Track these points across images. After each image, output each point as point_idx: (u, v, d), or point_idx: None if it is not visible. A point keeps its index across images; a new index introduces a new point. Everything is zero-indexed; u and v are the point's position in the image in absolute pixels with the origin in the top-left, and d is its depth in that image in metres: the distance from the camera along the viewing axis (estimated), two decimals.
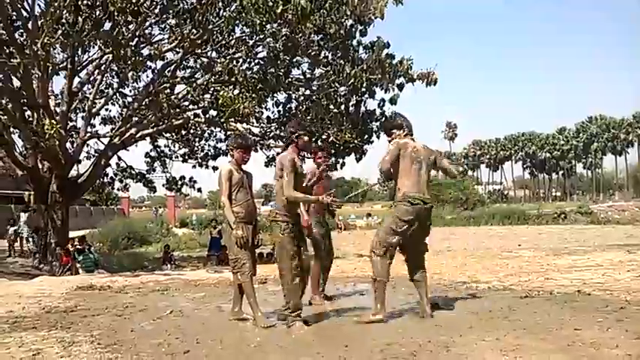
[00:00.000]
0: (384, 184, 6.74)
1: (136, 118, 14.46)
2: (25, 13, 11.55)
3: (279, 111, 15.30)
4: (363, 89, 13.18)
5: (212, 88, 13.76)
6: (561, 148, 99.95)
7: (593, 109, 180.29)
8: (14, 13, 11.74)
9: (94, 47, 12.96)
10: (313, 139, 7.03)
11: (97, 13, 11.14)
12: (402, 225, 5.08)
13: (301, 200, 5.08)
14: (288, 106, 15.10)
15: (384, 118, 14.08)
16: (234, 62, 12.96)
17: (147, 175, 17.42)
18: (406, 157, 5.12)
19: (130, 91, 15.91)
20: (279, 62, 12.69)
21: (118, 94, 15.82)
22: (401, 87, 13.17)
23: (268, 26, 11.94)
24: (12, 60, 11.28)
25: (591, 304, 5.64)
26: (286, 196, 4.76)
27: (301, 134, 5.00)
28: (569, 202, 75.02)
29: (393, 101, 13.53)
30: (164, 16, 12.57)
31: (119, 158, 16.74)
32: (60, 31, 11.00)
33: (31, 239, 17.14)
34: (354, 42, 13.48)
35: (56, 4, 10.32)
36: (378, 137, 14.37)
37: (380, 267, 5.14)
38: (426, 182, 5.19)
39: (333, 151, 14.20)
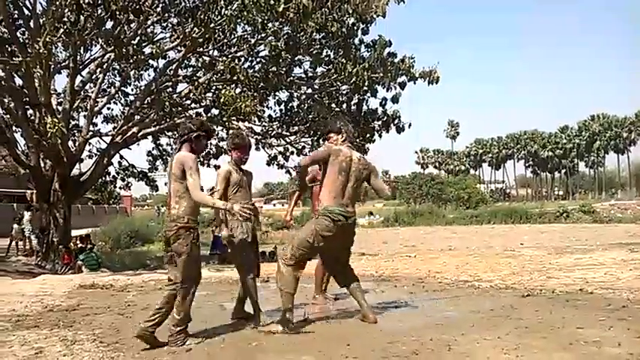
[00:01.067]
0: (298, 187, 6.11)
1: (138, 117, 14.47)
2: (26, 12, 11.56)
3: (280, 110, 15.33)
4: (365, 88, 13.18)
5: (214, 87, 13.78)
6: (564, 147, 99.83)
7: (596, 108, 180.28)
8: (16, 12, 11.76)
9: (95, 46, 12.98)
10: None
11: (99, 11, 11.16)
12: (319, 240, 4.74)
13: (208, 204, 4.55)
14: (290, 104, 15.11)
15: (385, 117, 14.09)
16: (236, 61, 12.96)
17: (149, 174, 17.45)
18: (335, 165, 4.77)
19: (132, 89, 15.95)
20: (280, 61, 12.69)
21: (120, 93, 15.85)
22: (403, 85, 13.17)
23: (270, 25, 11.95)
24: (14, 58, 11.29)
25: (593, 303, 5.64)
26: (194, 198, 4.30)
27: (202, 135, 4.52)
28: (571, 200, 74.98)
29: (394, 100, 13.53)
30: (166, 14, 12.59)
31: (121, 157, 16.78)
32: (62, 30, 11.02)
33: (33, 237, 17.17)
34: (356, 40, 13.48)
35: (58, 2, 10.33)
36: (380, 136, 14.38)
37: (287, 278, 4.76)
38: (353, 195, 4.84)
39: None
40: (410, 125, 14.13)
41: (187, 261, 4.34)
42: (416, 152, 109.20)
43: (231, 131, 14.69)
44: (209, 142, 4.93)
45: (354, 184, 4.81)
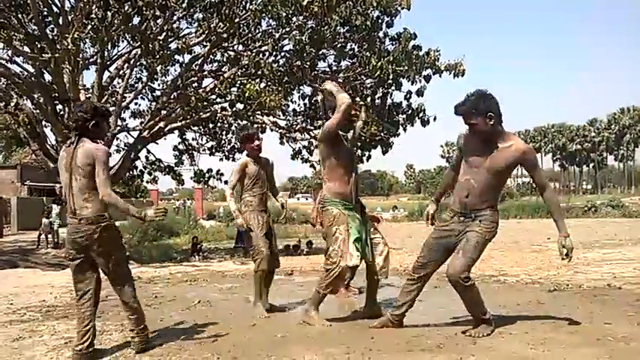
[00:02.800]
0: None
1: (165, 112, 14.62)
2: (55, 9, 11.75)
3: (305, 104, 15.33)
4: (390, 81, 13.10)
5: (239, 82, 13.83)
6: (592, 140, 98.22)
7: (626, 100, 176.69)
8: (45, 9, 11.96)
9: (123, 42, 13.11)
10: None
11: (126, 7, 11.28)
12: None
13: (120, 207, 3.92)
14: (314, 98, 15.11)
15: (410, 110, 13.97)
16: (261, 55, 13.00)
17: (175, 168, 17.62)
18: None
19: (159, 85, 16.09)
20: (305, 55, 12.68)
21: (146, 88, 16.01)
22: (428, 79, 13.06)
23: (294, 19, 11.95)
24: (43, 55, 11.49)
25: (622, 298, 5.56)
26: (105, 198, 3.80)
27: (98, 121, 3.94)
28: (600, 194, 73.68)
29: (419, 93, 13.43)
30: (191, 9, 12.67)
31: (148, 151, 16.97)
32: (89, 26, 11.17)
33: (62, 230, 17.48)
34: (381, 34, 13.39)
35: None
36: (404, 130, 14.29)
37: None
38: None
39: (359, 144, 14.17)
40: (435, 118, 14.02)
41: (122, 260, 4.03)
42: (441, 146, 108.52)
43: (256, 125, 14.81)
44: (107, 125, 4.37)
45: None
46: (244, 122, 14.24)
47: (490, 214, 4.14)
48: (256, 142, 5.39)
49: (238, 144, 5.72)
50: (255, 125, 14.65)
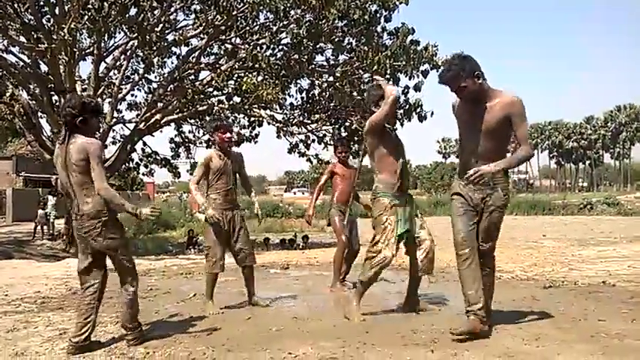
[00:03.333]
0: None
1: (161, 104, 14.55)
2: None
3: (302, 97, 15.28)
4: (387, 76, 13.06)
5: (236, 75, 13.78)
6: (589, 138, 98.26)
7: (622, 98, 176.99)
8: None
9: (119, 33, 13.04)
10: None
11: None
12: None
13: (115, 202, 3.83)
14: (312, 92, 15.06)
15: (407, 106, 13.96)
16: (258, 48, 12.94)
17: (171, 161, 17.56)
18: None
19: (156, 77, 15.99)
20: (302, 48, 12.63)
21: (143, 80, 15.92)
22: (425, 74, 13.01)
23: (292, 12, 11.90)
24: (40, 45, 11.42)
25: (616, 296, 5.57)
26: (100, 192, 3.75)
27: (86, 117, 3.83)
28: (595, 192, 73.88)
29: (417, 88, 13.40)
30: (189, 1, 12.60)
31: (144, 143, 16.90)
32: (86, 17, 11.10)
33: (58, 222, 17.44)
34: (379, 28, 13.34)
35: None
36: (401, 125, 14.26)
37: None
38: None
39: (356, 139, 14.15)
40: (432, 114, 13.98)
41: (127, 252, 4.10)
42: (438, 142, 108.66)
43: (253, 119, 14.76)
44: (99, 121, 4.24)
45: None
46: (241, 115, 14.21)
47: (504, 180, 4.14)
48: (228, 135, 5.21)
49: (210, 134, 5.52)
50: (252, 118, 14.62)
